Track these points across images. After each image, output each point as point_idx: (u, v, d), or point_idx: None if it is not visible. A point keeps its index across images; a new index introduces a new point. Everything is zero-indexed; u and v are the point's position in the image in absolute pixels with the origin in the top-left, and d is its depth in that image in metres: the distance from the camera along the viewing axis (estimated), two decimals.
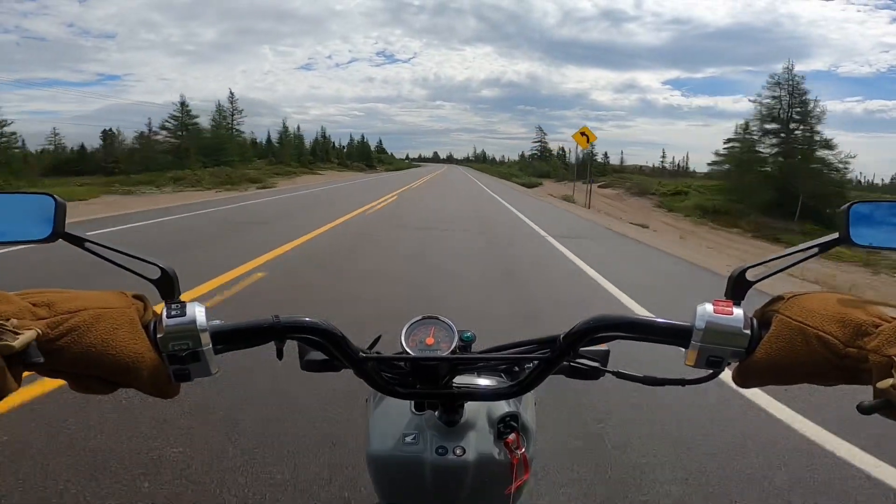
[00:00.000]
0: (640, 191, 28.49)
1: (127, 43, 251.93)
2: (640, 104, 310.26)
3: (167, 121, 38.45)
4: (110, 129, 39.08)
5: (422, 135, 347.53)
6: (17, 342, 0.36)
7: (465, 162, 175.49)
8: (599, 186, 35.68)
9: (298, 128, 66.72)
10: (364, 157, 76.26)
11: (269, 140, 61.68)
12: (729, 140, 29.72)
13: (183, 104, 39.01)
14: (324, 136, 73.26)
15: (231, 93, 50.31)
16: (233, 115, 48.54)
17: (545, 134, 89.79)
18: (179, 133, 38.46)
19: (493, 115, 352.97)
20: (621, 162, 73.32)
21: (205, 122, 42.23)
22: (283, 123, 63.19)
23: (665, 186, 27.69)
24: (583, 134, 20.80)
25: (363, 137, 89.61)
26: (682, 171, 70.06)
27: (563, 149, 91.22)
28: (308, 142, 67.94)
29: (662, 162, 76.44)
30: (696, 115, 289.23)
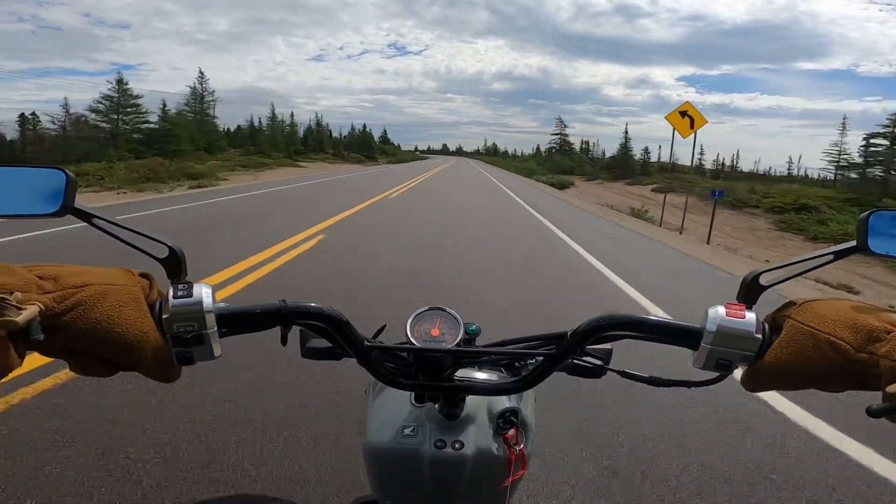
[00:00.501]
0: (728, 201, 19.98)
1: (141, 32, 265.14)
2: (653, 100, 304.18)
3: (99, 101, 30.37)
4: (32, 114, 31.15)
5: (432, 127, 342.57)
6: (21, 318, 0.35)
7: (476, 155, 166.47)
8: (653, 190, 27.44)
9: (292, 115, 59.02)
10: (364, 147, 68.09)
11: (252, 127, 53.77)
12: (873, 135, 21.20)
13: (120, 82, 30.85)
14: (318, 123, 65.38)
15: (201, 72, 42.50)
16: (203, 99, 40.48)
17: (565, 126, 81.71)
18: (113, 116, 30.34)
19: (503, 108, 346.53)
20: (659, 158, 63.07)
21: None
22: (272, 109, 55.48)
23: (774, 197, 18.99)
24: (684, 114, 12.32)
25: (365, 126, 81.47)
26: (729, 172, 60.86)
27: (586, 142, 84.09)
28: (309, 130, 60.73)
29: (700, 160, 67.04)
30: (711, 112, 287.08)
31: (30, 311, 0.35)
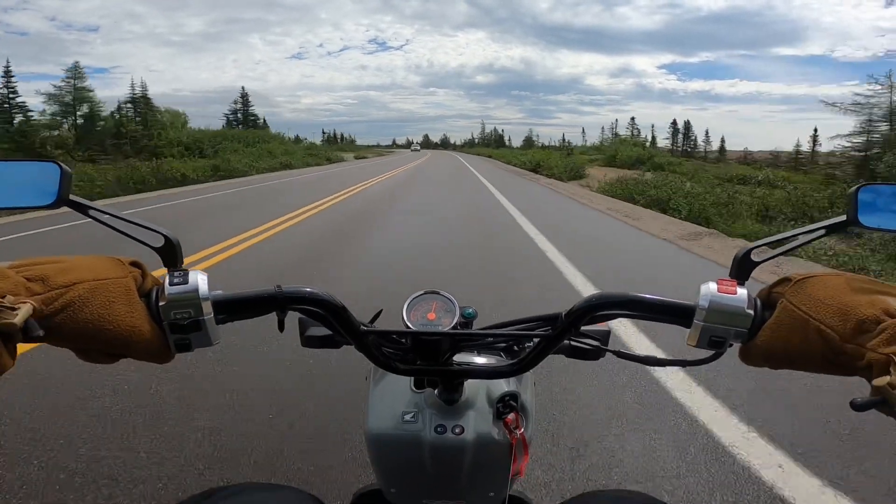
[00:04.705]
0: None
1: (112, 35, 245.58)
2: (635, 88, 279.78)
3: None
4: None
5: (416, 121, 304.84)
6: (17, 318, 0.34)
7: (468, 148, 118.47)
8: None
9: None
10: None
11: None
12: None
13: None
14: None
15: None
16: None
17: None
18: None
19: (488, 100, 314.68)
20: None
21: None
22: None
23: None
24: None
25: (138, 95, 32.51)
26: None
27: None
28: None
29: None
30: (693, 99, 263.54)
31: (25, 311, 0.35)
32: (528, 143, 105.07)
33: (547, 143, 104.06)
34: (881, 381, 0.36)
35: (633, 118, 76.53)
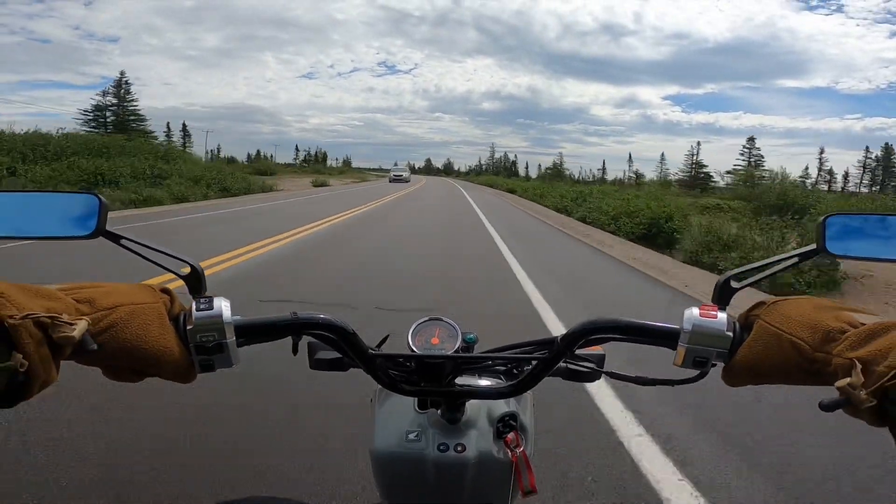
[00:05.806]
0: None
1: (130, 47, 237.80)
2: (640, 119, 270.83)
3: None
4: None
5: (420, 146, 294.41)
6: (76, 332, 0.38)
7: (474, 176, 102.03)
8: None
9: None
10: None
11: None
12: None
13: None
14: None
15: None
16: None
17: None
18: None
19: (493, 128, 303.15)
20: None
21: None
22: None
23: None
24: None
25: None
26: None
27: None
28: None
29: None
30: (697, 131, 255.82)
31: (82, 326, 0.38)
32: (557, 172, 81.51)
33: (577, 174, 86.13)
34: (842, 382, 0.39)
35: (750, 138, 57.50)
